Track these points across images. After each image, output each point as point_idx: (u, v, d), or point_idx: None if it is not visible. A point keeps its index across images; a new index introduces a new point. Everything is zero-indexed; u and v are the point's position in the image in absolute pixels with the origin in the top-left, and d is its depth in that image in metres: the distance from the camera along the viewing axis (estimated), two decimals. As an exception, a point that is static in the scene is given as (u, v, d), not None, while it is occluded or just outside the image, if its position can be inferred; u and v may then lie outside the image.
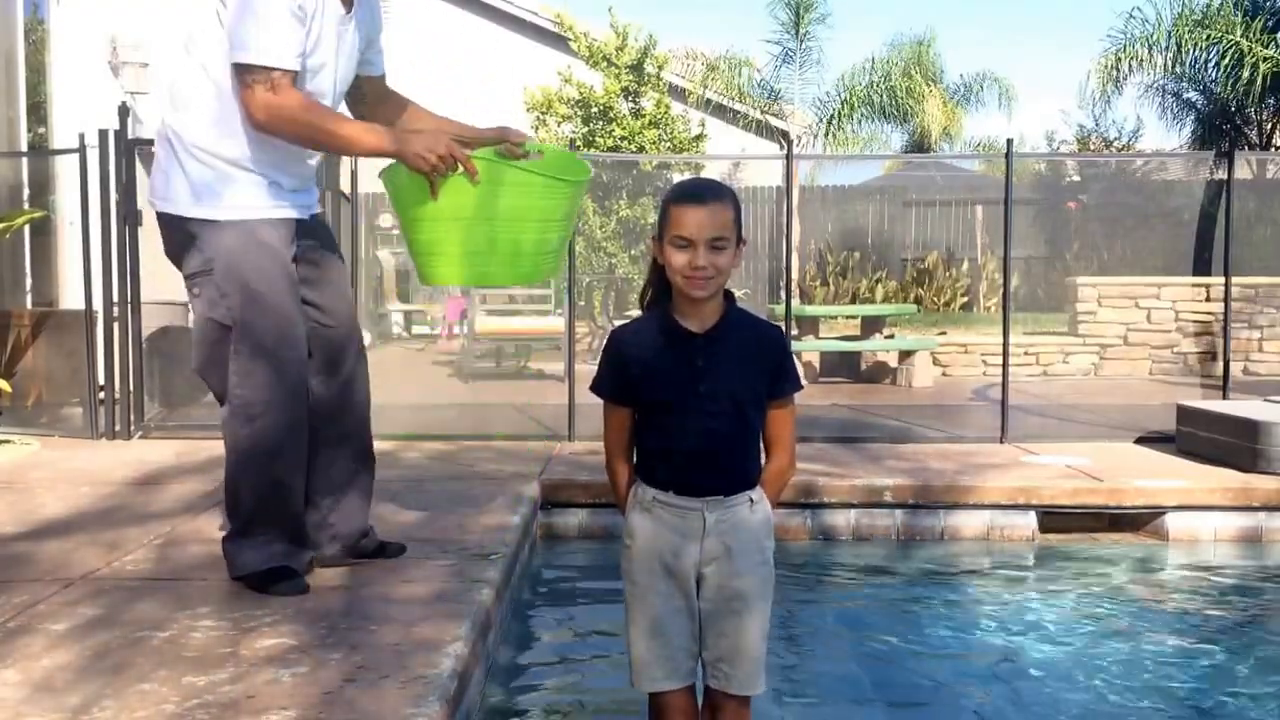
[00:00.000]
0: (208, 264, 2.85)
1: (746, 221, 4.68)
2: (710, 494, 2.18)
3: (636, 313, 2.36)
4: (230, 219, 2.84)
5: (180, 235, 2.89)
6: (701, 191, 2.15)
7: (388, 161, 2.81)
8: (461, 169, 2.68)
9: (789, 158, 7.21)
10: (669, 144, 12.11)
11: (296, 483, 3.01)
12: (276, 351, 2.87)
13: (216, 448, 5.44)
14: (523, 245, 2.79)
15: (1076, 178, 16.48)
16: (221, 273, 2.84)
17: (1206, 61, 13.43)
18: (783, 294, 6.79)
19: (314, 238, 3.06)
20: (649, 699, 2.26)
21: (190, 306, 3.00)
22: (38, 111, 7.97)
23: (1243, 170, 11.39)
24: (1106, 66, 14.02)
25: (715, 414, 2.16)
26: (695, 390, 2.16)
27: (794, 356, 2.41)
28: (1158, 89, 14.41)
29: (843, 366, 9.47)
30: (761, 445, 2.26)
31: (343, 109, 3.09)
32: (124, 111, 5.92)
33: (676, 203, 2.14)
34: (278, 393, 2.88)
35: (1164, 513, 4.82)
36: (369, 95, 3.17)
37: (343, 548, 3.19)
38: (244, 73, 2.73)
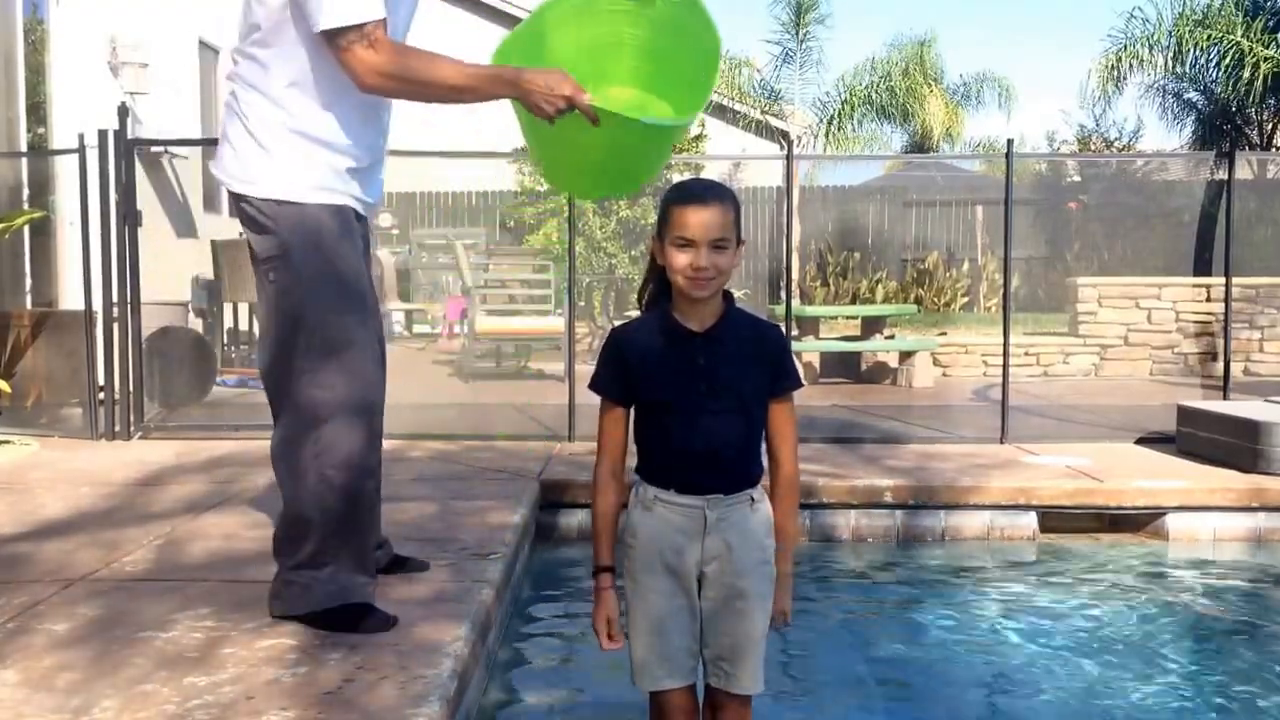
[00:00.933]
0: (282, 249, 2.61)
1: (746, 222, 4.67)
2: (711, 492, 2.18)
3: (636, 313, 2.36)
4: (305, 200, 2.61)
5: (246, 216, 2.66)
6: (703, 192, 2.15)
7: None
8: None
9: (789, 158, 7.20)
10: (669, 144, 12.10)
11: (372, 501, 2.77)
12: (351, 352, 2.63)
13: (216, 448, 5.49)
14: (636, 172, 2.83)
15: (1077, 178, 16.50)
16: (297, 261, 2.61)
17: (1207, 61, 13.44)
18: (783, 294, 6.78)
19: (365, 226, 2.86)
20: (650, 698, 2.26)
21: (259, 296, 2.73)
22: (37, 111, 7.96)
23: (1243, 170, 11.39)
24: (1107, 66, 14.03)
25: (716, 412, 2.17)
26: (697, 389, 2.16)
27: (794, 356, 2.41)
28: (1158, 89, 14.42)
29: (843, 367, 9.47)
30: (764, 446, 2.26)
31: None
32: (123, 112, 5.92)
33: (678, 203, 2.14)
34: (350, 398, 2.62)
35: (1164, 513, 4.82)
36: None
37: None
38: (337, 38, 2.49)
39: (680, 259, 2.11)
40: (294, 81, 2.61)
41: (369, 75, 2.53)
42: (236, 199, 2.68)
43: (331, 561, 2.68)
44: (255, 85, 2.63)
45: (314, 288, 2.62)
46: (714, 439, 2.17)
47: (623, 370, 2.22)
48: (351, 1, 2.47)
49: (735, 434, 2.19)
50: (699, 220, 2.11)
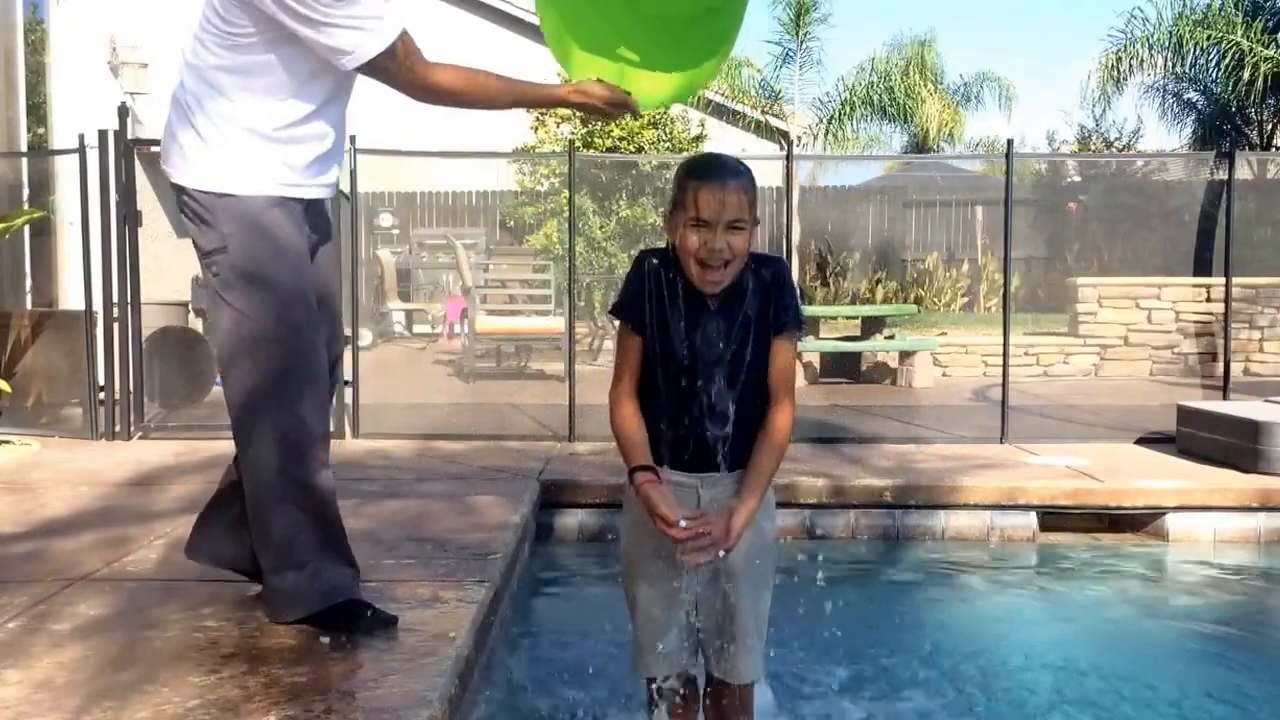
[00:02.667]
0: (223, 242, 2.56)
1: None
2: (706, 470, 2.12)
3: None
4: (245, 193, 2.56)
5: (187, 209, 2.61)
6: (720, 170, 2.06)
7: None
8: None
9: (789, 158, 7.21)
10: (668, 144, 12.12)
11: (334, 490, 2.71)
12: (298, 345, 2.59)
13: (216, 448, 5.49)
14: None
15: (1077, 178, 16.51)
16: (237, 255, 2.56)
17: (1207, 62, 13.44)
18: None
19: (316, 214, 2.79)
20: (645, 683, 2.24)
21: (206, 290, 2.68)
22: (38, 111, 7.98)
23: (1243, 170, 11.34)
24: (1107, 66, 14.03)
25: (715, 386, 2.09)
26: (698, 360, 2.09)
27: (797, 296, 2.25)
28: (1158, 89, 14.43)
29: (843, 367, 9.47)
30: (762, 425, 2.15)
31: None
32: (123, 112, 5.93)
33: (695, 180, 2.05)
34: (300, 391, 2.59)
35: (1164, 513, 4.82)
36: None
37: None
38: (377, 68, 2.53)
39: (693, 239, 2.03)
40: (250, 77, 2.55)
41: (413, 91, 2.59)
42: (178, 191, 2.63)
43: (311, 558, 2.64)
44: (208, 79, 2.56)
45: (256, 281, 2.57)
46: (711, 413, 2.09)
47: (642, 297, 2.11)
48: (376, 26, 2.49)
49: (734, 409, 2.10)
50: (716, 200, 2.02)
